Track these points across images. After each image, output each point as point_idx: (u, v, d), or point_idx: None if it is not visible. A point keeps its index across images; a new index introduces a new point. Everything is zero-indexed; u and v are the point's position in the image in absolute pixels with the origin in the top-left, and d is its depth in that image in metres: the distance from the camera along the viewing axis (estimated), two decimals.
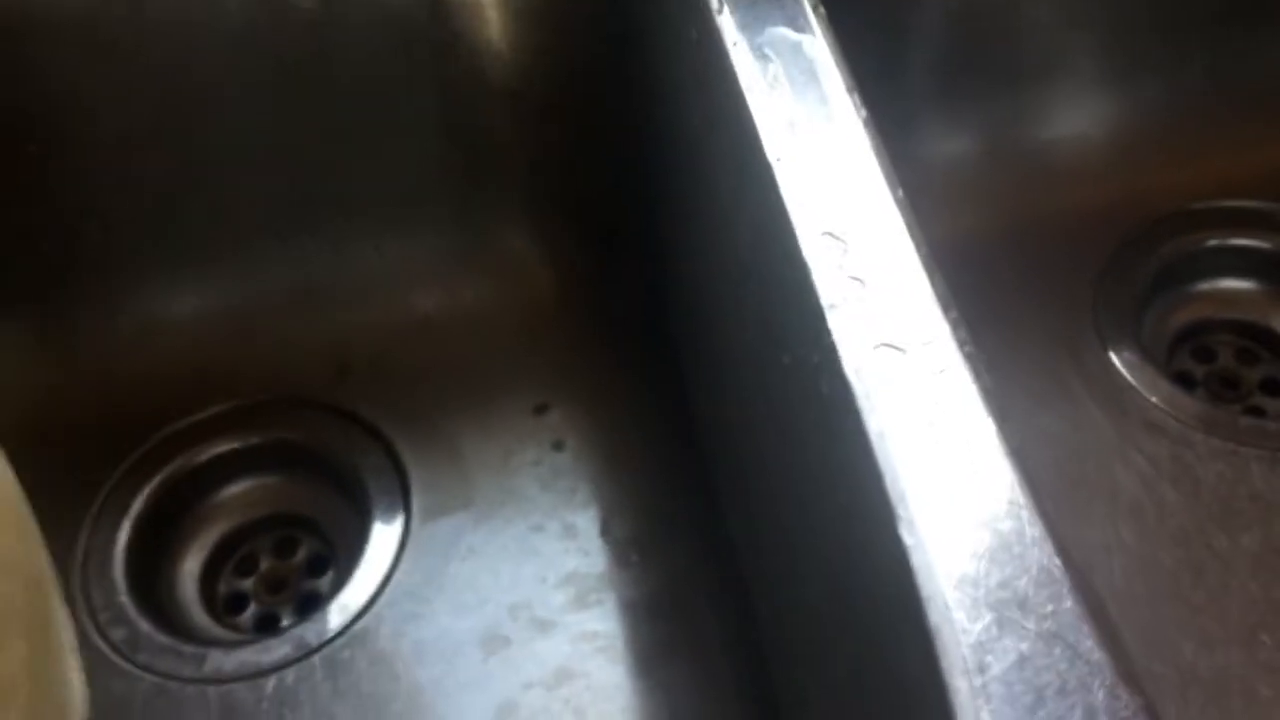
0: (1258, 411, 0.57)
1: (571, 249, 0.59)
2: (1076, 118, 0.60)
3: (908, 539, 0.27)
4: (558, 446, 0.57)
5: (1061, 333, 0.58)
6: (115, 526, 0.56)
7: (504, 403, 0.58)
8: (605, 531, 0.54)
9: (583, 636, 0.51)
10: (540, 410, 0.58)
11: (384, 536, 0.55)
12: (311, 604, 0.55)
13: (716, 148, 0.39)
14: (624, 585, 0.52)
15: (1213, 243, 0.60)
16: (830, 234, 0.32)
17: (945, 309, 0.31)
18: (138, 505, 0.56)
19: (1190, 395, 0.57)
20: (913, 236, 0.32)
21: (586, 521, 0.54)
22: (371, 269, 0.60)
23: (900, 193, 0.33)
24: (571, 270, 0.59)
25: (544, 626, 0.51)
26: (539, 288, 0.60)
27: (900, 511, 0.28)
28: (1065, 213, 0.60)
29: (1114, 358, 0.57)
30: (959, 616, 0.26)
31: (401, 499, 0.56)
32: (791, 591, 0.40)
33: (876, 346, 0.30)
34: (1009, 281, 0.59)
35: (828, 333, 0.31)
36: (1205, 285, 0.60)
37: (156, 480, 0.57)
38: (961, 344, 0.30)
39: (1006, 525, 0.27)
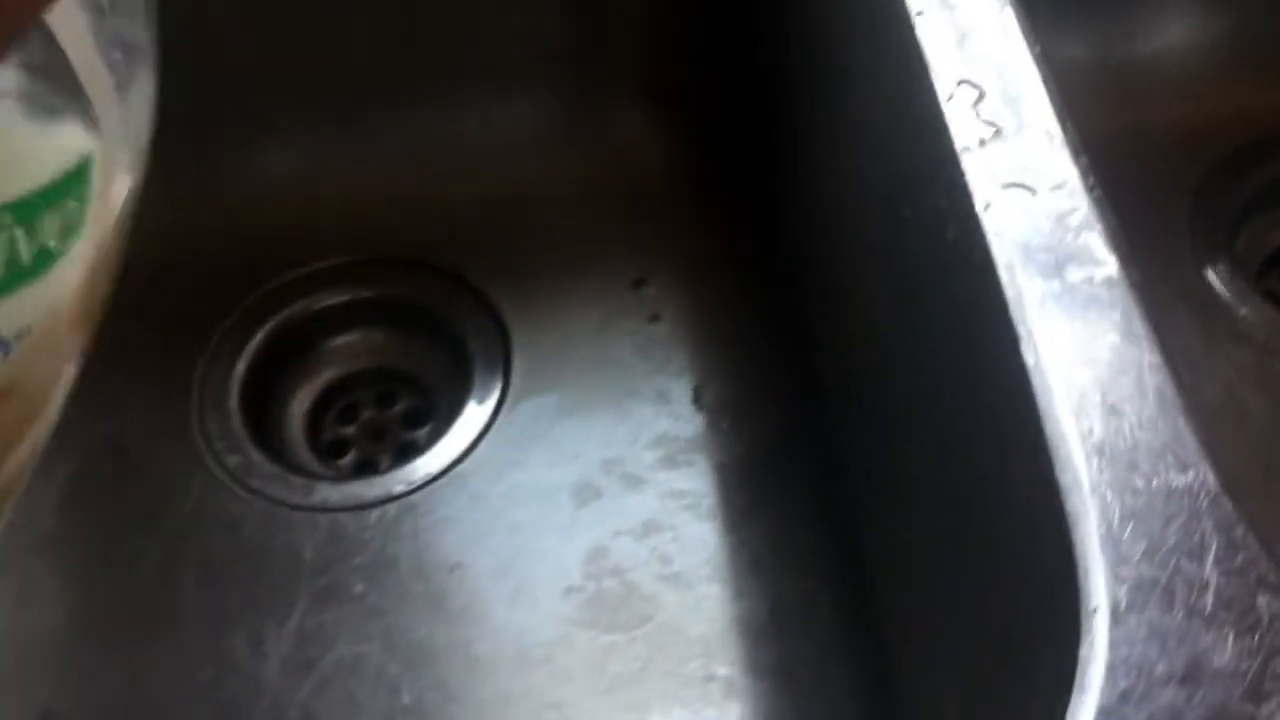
0: None
1: (682, 131, 0.61)
2: (1183, 30, 0.61)
3: (1029, 359, 0.29)
4: (654, 319, 0.59)
5: (1156, 243, 0.59)
6: (232, 361, 0.59)
7: (604, 274, 0.60)
8: (698, 398, 0.56)
9: (671, 494, 0.53)
10: (638, 284, 0.60)
11: (485, 392, 0.58)
12: (408, 454, 0.57)
13: (851, 8, 0.40)
14: (714, 448, 0.54)
15: None
16: (968, 82, 0.34)
17: (1076, 155, 0.32)
18: (254, 343, 0.59)
19: (1278, 311, 0.57)
20: (1048, 88, 0.34)
21: (680, 389, 0.56)
22: (480, 134, 0.62)
23: (1039, 48, 0.35)
24: (679, 150, 0.61)
25: (634, 482, 0.54)
26: (645, 166, 0.62)
27: (1021, 331, 0.29)
28: (1167, 126, 0.61)
29: (1207, 270, 0.58)
30: (1069, 427, 0.28)
31: (503, 359, 0.58)
32: (894, 447, 0.42)
33: (1007, 186, 0.32)
34: (1107, 191, 0.60)
35: (961, 174, 0.32)
36: None
37: (271, 323, 0.60)
38: (1090, 188, 0.32)
39: (1125, 354, 0.29)
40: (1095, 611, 0.25)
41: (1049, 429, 0.28)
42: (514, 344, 0.59)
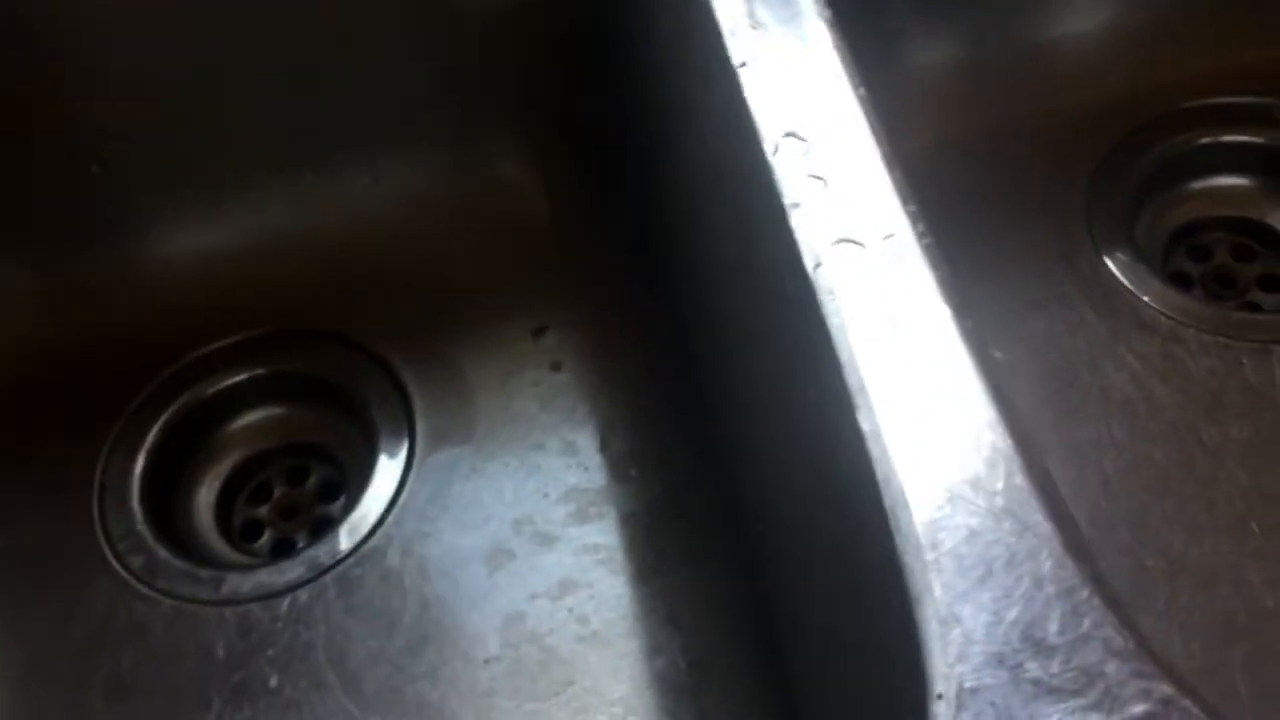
0: (1253, 307, 0.57)
1: (565, 172, 0.60)
2: (1060, 19, 0.60)
3: (865, 425, 0.28)
4: (556, 367, 0.58)
5: (1055, 236, 0.58)
6: (130, 458, 0.57)
7: (503, 326, 0.59)
8: (604, 447, 0.55)
9: (585, 549, 0.52)
10: (538, 333, 0.59)
11: (390, 460, 0.56)
12: (324, 528, 0.56)
13: (687, 57, 0.39)
14: (623, 499, 0.53)
15: (1206, 140, 0.60)
16: (793, 134, 0.33)
17: (904, 202, 0.31)
18: (152, 437, 0.58)
19: (1184, 294, 0.57)
20: (874, 134, 0.33)
21: (586, 438, 0.55)
22: (369, 197, 0.61)
23: (863, 91, 0.34)
24: (566, 193, 0.60)
25: (547, 540, 0.52)
26: (534, 211, 0.60)
27: (859, 400, 0.28)
28: (1055, 115, 0.60)
29: (1107, 260, 0.58)
30: (912, 496, 0.27)
31: (406, 423, 0.57)
32: (776, 492, 0.41)
33: (836, 242, 0.31)
34: (1001, 187, 0.59)
35: (789, 230, 0.31)
36: (1199, 184, 0.60)
37: (168, 413, 0.59)
38: (920, 236, 0.31)
39: (959, 409, 0.28)
40: (939, 698, 0.24)
41: (888, 501, 0.27)
42: (416, 406, 0.58)
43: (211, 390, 0.59)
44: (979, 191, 0.58)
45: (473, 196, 0.61)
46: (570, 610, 0.50)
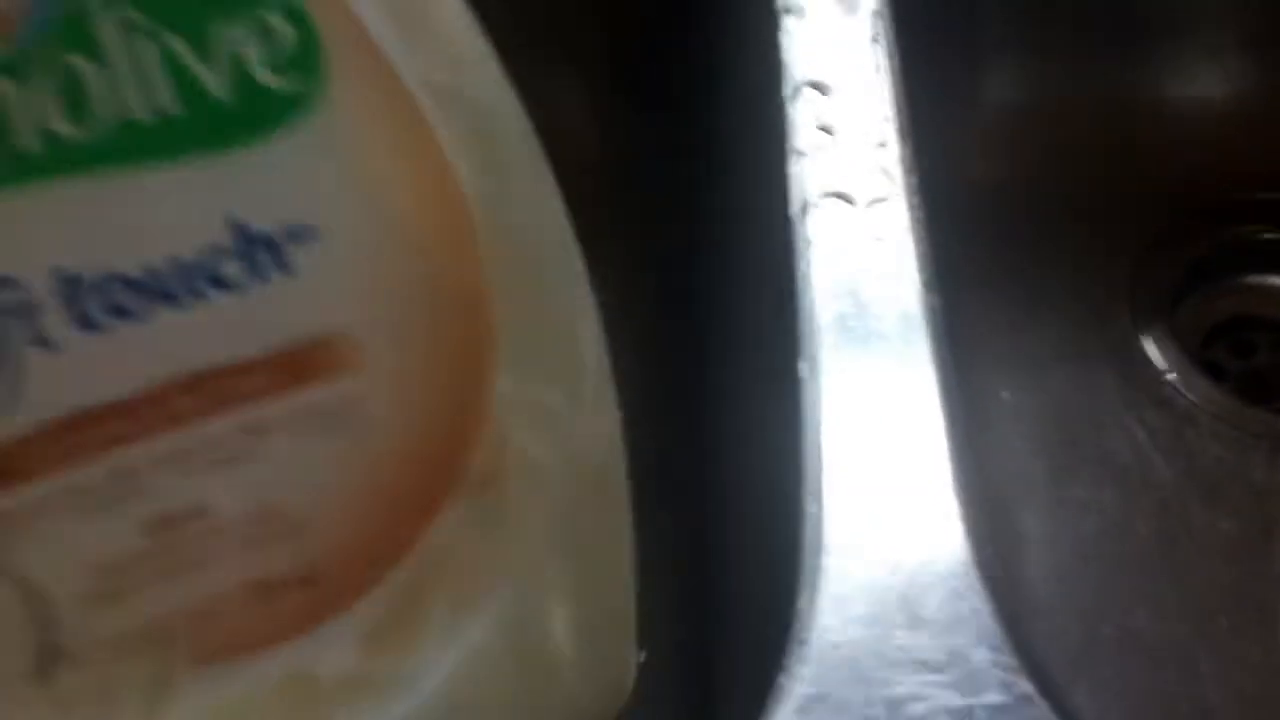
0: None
1: (614, 115, 0.59)
2: (1150, 83, 0.59)
3: (807, 393, 0.27)
4: None
5: (1093, 296, 0.57)
6: None
7: None
8: None
9: None
10: None
11: None
12: None
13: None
14: None
15: (1271, 236, 0.58)
16: (815, 84, 0.32)
17: (908, 171, 0.31)
18: None
19: (1211, 382, 0.55)
20: (895, 99, 0.32)
21: None
22: None
23: (898, 61, 0.33)
24: (611, 137, 0.59)
25: None
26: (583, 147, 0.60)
27: (804, 360, 0.28)
28: (1122, 177, 0.59)
29: (1142, 332, 0.56)
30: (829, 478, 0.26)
31: None
32: (740, 464, 0.40)
33: (826, 195, 0.30)
34: (1051, 234, 0.58)
35: (785, 178, 0.31)
36: (1257, 279, 0.59)
37: None
38: (913, 207, 0.30)
39: (905, 393, 0.27)
40: (803, 644, 0.23)
41: (807, 452, 0.26)
42: None
43: None
44: (1029, 234, 0.57)
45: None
46: None
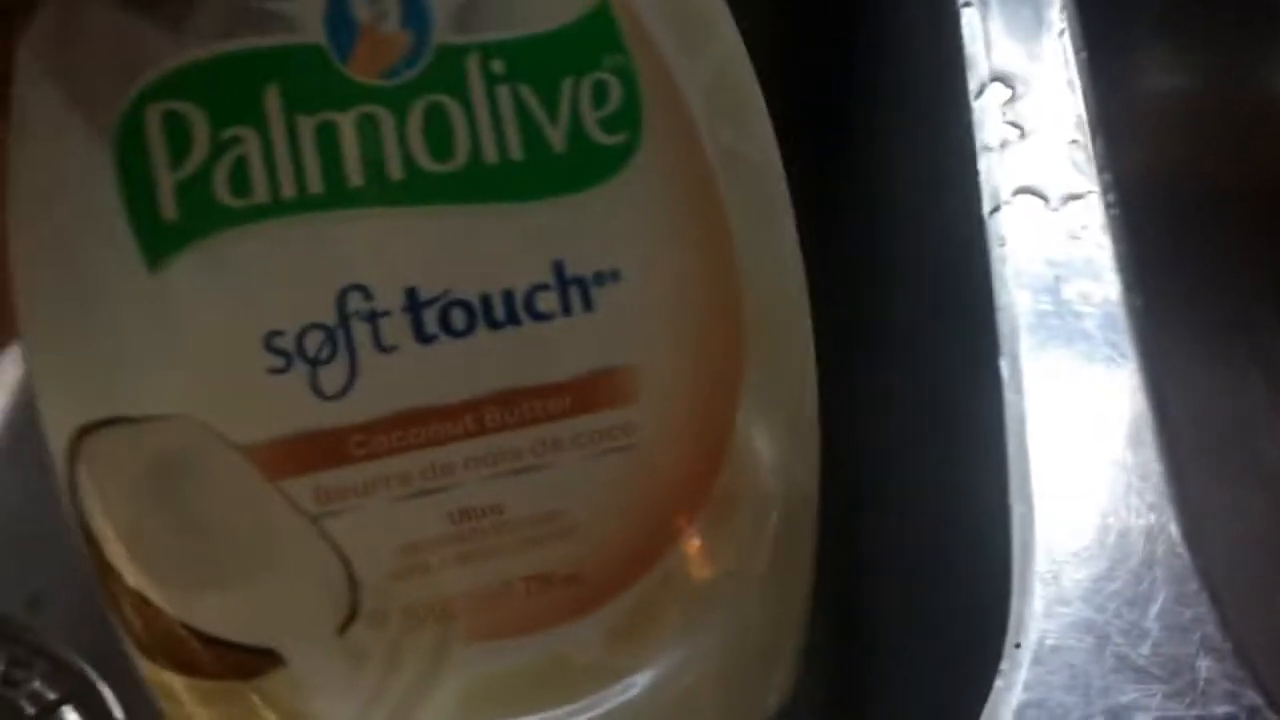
0: None
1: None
2: None
3: (1005, 373, 0.27)
4: None
5: (1243, 295, 0.55)
6: None
7: None
8: None
9: None
10: None
11: None
12: None
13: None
14: None
15: None
16: (1001, 79, 0.32)
17: (1100, 169, 0.30)
18: None
19: None
20: (1084, 96, 0.31)
21: None
22: None
23: (1085, 55, 0.32)
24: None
25: None
26: None
27: (1004, 350, 0.27)
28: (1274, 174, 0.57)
29: None
30: (1034, 451, 0.26)
31: None
32: (894, 430, 0.40)
33: (1017, 191, 0.30)
34: (1206, 229, 0.56)
35: (975, 174, 0.30)
36: None
37: None
38: (1109, 206, 0.30)
39: (1108, 383, 0.27)
40: (1018, 648, 0.23)
41: (1012, 452, 0.26)
42: None
43: None
44: (1181, 229, 0.56)
45: None
46: None
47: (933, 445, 0.31)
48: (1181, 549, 0.24)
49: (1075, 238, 0.29)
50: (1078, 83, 0.32)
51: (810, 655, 0.28)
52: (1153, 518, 0.24)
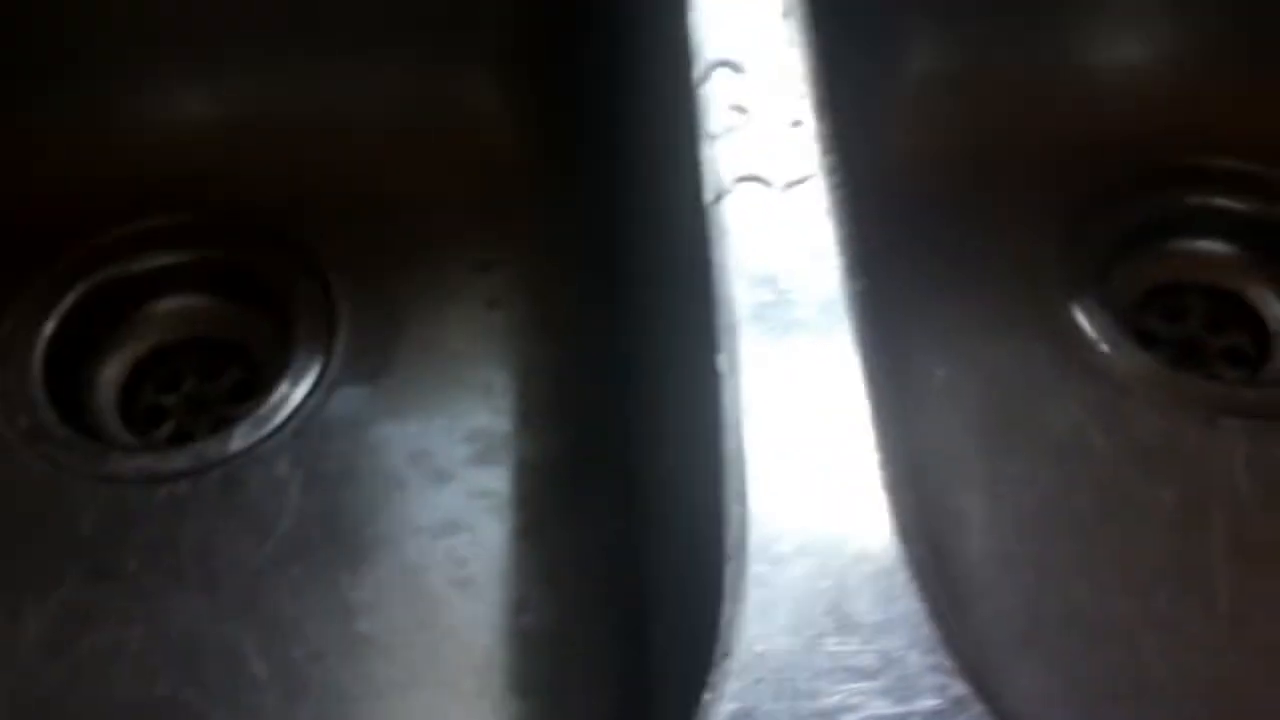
0: (1215, 379, 0.55)
1: (533, 102, 0.58)
2: (1073, 49, 0.58)
3: (727, 409, 0.26)
4: (492, 305, 0.56)
5: (1025, 268, 0.56)
6: (42, 318, 0.55)
7: (447, 256, 0.57)
8: (520, 393, 0.53)
9: (478, 492, 0.50)
10: (483, 267, 0.57)
11: (302, 369, 0.54)
12: (224, 429, 0.54)
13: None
14: (526, 448, 0.51)
15: (1197, 201, 0.58)
16: (726, 62, 0.31)
17: (825, 149, 0.29)
18: (68, 301, 0.56)
19: (1146, 352, 0.55)
20: (810, 74, 0.31)
21: (504, 380, 0.53)
22: (330, 106, 0.59)
23: (811, 35, 0.32)
24: (530, 127, 0.58)
25: (441, 477, 0.50)
26: (497, 142, 0.59)
27: (726, 381, 0.26)
28: (1050, 145, 0.58)
29: (1075, 303, 0.55)
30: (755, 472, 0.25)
31: (327, 335, 0.55)
32: (653, 461, 0.39)
33: (741, 179, 0.29)
34: (978, 208, 0.57)
35: (698, 162, 0.29)
36: (1185, 244, 0.58)
37: (89, 281, 0.57)
38: (835, 187, 0.29)
39: (829, 386, 0.26)
40: (727, 658, 0.22)
41: (729, 451, 0.25)
42: (340, 319, 0.56)
43: (137, 267, 0.57)
44: (955, 207, 0.56)
45: (436, 117, 0.59)
46: (449, 552, 0.48)
47: (662, 444, 0.30)
48: (894, 546, 0.23)
49: (797, 224, 0.28)
50: (802, 65, 0.31)
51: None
52: (870, 516, 0.24)
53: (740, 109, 0.30)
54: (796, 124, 0.30)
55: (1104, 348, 0.54)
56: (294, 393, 0.54)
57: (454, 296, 0.56)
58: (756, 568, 0.23)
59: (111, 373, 0.56)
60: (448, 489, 0.50)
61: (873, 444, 0.25)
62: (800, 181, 0.29)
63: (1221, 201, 0.57)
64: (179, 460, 0.52)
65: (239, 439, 0.52)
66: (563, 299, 0.54)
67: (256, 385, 0.56)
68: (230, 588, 0.48)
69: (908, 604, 0.22)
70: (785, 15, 0.32)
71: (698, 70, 0.31)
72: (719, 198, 0.28)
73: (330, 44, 0.59)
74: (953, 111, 0.57)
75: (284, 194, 0.58)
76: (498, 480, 0.50)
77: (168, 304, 0.58)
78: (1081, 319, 0.55)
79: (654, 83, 0.35)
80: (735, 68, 0.31)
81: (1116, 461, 0.50)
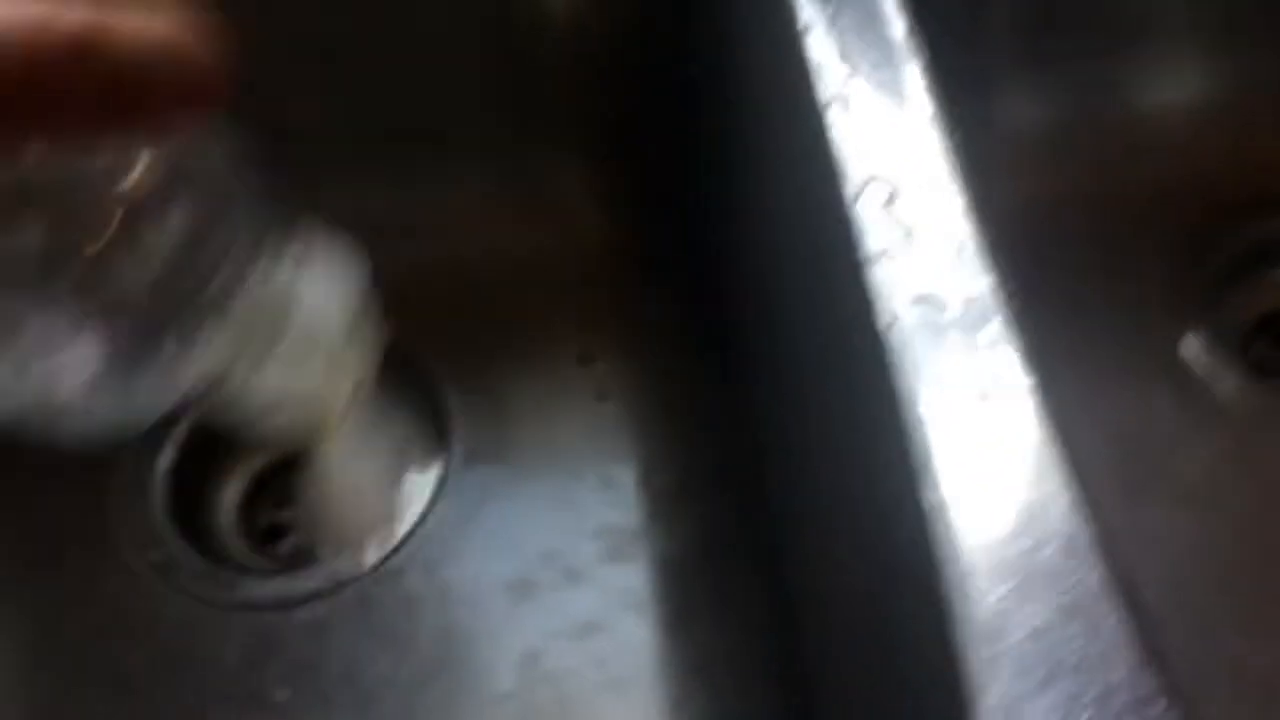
0: None
1: (621, 197, 0.58)
2: (1165, 87, 0.58)
3: (930, 500, 0.26)
4: (601, 397, 0.56)
5: (1133, 312, 0.55)
6: (157, 450, 0.56)
7: (548, 351, 0.57)
8: (644, 484, 0.53)
9: (613, 590, 0.50)
10: (585, 360, 0.57)
11: (422, 478, 0.55)
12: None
13: (772, 90, 0.38)
14: (659, 541, 0.51)
15: None
16: (877, 178, 0.31)
17: (991, 265, 0.29)
18: (181, 428, 0.57)
19: (1264, 384, 0.54)
20: (963, 188, 0.31)
21: (626, 474, 0.53)
22: (421, 207, 0.59)
23: (957, 139, 0.32)
24: (620, 218, 0.58)
25: (575, 577, 0.50)
26: (586, 234, 0.59)
27: (923, 473, 0.26)
28: (1145, 187, 0.58)
29: (1186, 341, 0.55)
30: (977, 583, 0.24)
31: (441, 442, 0.56)
32: (822, 556, 0.39)
33: (915, 300, 0.29)
34: (1083, 256, 0.56)
35: (865, 283, 0.29)
36: None
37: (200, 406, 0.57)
38: (1005, 302, 0.29)
39: (1036, 493, 0.26)
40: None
41: (948, 586, 0.25)
42: (452, 425, 0.56)
43: None
44: (1058, 259, 0.56)
45: (525, 214, 0.59)
46: (592, 653, 0.48)
47: (864, 573, 0.30)
48: (1143, 670, 0.23)
49: (974, 341, 0.28)
50: (955, 175, 0.31)
51: None
52: (1105, 642, 0.23)
53: (903, 226, 0.30)
54: (960, 242, 0.30)
55: (1225, 385, 0.53)
56: (414, 504, 0.54)
57: (560, 391, 0.56)
58: (1003, 713, 0.23)
59: (230, 494, 0.57)
60: (582, 589, 0.50)
61: (1099, 560, 0.25)
62: (973, 299, 0.29)
63: None
64: (311, 581, 0.52)
65: (369, 555, 0.52)
66: (676, 389, 0.54)
67: None
68: (381, 708, 0.48)
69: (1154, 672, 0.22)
70: (926, 123, 0.32)
71: (852, 188, 0.31)
72: (894, 321, 0.28)
73: (408, 154, 0.59)
74: (1043, 164, 0.57)
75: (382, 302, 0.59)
76: (633, 576, 0.50)
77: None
78: (1197, 358, 0.54)
79: (797, 195, 0.35)
80: (885, 181, 0.31)
81: (1256, 502, 0.49)
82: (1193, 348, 0.55)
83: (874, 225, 0.30)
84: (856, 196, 0.31)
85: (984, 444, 0.27)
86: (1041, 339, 0.44)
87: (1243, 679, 0.44)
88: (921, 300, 0.29)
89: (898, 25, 0.34)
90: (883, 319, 0.28)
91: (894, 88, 0.33)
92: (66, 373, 0.24)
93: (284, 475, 0.57)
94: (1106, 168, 0.57)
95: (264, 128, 0.58)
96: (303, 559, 0.55)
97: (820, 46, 0.34)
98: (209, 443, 0.57)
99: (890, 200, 0.30)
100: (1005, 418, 0.27)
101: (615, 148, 0.57)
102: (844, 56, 0.34)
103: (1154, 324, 0.55)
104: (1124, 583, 0.25)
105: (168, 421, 0.57)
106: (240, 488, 0.57)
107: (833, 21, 0.34)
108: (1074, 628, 0.23)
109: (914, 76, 0.33)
